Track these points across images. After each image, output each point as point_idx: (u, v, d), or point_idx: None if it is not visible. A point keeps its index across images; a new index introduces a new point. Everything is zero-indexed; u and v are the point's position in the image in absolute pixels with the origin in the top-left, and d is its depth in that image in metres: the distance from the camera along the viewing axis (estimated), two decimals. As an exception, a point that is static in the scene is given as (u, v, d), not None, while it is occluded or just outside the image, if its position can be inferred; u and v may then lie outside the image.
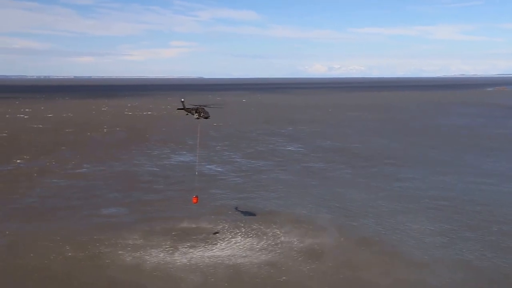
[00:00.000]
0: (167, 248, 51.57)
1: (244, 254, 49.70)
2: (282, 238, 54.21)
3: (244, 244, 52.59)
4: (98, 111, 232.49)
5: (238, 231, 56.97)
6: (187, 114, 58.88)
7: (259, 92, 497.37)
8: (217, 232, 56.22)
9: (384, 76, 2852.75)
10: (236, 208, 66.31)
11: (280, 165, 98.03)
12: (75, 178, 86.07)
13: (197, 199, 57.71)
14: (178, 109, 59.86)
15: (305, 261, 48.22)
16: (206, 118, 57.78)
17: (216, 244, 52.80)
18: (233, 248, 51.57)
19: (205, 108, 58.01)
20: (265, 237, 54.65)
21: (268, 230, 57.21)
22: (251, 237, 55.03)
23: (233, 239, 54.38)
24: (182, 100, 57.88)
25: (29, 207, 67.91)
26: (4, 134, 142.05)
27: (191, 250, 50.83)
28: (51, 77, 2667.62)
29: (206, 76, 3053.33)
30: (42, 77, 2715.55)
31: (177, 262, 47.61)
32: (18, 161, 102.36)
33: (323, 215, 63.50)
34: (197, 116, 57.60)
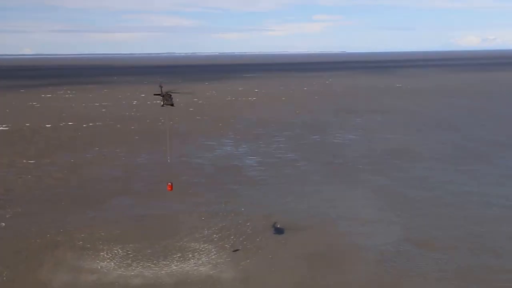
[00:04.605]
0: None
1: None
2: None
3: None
4: (203, 96, 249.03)
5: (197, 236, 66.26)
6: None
7: (382, 70, 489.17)
8: (237, 250, 57.49)
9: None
10: (222, 208, 75.48)
11: (312, 159, 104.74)
12: (115, 168, 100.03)
13: (171, 187, 60.17)
14: (155, 94, 61.05)
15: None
16: (172, 105, 59.24)
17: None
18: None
19: (172, 96, 58.49)
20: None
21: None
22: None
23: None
24: (161, 85, 58.26)
25: (50, 195, 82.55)
26: (105, 122, 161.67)
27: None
28: (197, 54, 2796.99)
29: (349, 51, 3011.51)
30: (190, 53, 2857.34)
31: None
32: (96, 148, 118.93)
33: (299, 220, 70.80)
34: (162, 104, 58.82)
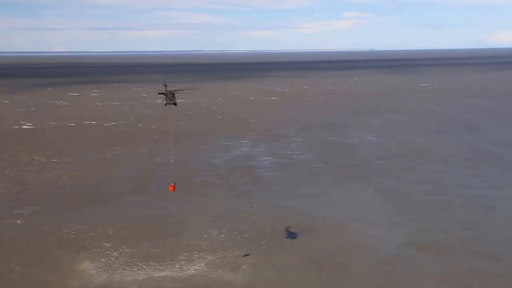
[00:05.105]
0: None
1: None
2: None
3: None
4: (226, 95, 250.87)
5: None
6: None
7: (409, 69, 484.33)
8: (247, 254, 57.72)
9: None
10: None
11: (327, 161, 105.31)
12: (133, 168, 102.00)
13: (174, 187, 61.27)
14: (159, 93, 60.46)
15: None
16: (174, 104, 58.92)
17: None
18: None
19: (175, 95, 58.19)
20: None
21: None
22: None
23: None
24: (165, 84, 58.04)
25: (61, 193, 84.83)
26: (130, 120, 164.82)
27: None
28: (226, 51, 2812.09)
29: (378, 48, 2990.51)
30: (219, 51, 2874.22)
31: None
32: (116, 148, 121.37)
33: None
34: (165, 103, 58.66)
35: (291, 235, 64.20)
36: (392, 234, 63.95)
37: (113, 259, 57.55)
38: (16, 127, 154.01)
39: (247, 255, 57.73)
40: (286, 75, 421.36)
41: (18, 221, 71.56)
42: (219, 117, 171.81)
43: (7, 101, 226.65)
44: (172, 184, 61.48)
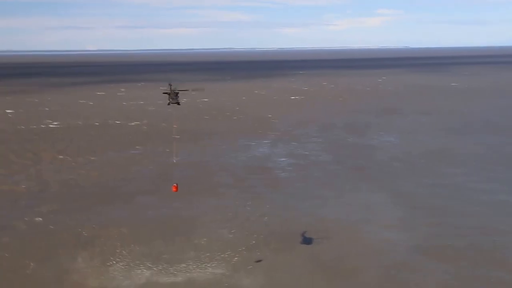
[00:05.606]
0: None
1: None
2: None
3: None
4: (251, 94, 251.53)
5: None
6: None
7: (442, 67, 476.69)
8: (260, 260, 57.30)
9: None
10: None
11: (344, 162, 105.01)
12: (152, 167, 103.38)
13: (177, 188, 61.17)
14: (164, 93, 60.25)
15: None
16: (178, 104, 59.54)
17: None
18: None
19: (178, 94, 58.70)
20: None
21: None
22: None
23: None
24: (170, 84, 58.67)
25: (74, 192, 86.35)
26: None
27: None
28: (256, 49, 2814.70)
29: (413, 46, 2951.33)
30: (249, 49, 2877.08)
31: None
32: (137, 147, 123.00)
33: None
34: (168, 102, 58.88)
35: (303, 237, 64.22)
36: (405, 238, 63.63)
37: (121, 257, 58.60)
38: (43, 126, 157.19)
39: (259, 261, 57.25)
40: (313, 74, 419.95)
41: (36, 219, 73.31)
42: (241, 116, 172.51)
43: (37, 100, 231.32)
44: (175, 184, 61.56)
